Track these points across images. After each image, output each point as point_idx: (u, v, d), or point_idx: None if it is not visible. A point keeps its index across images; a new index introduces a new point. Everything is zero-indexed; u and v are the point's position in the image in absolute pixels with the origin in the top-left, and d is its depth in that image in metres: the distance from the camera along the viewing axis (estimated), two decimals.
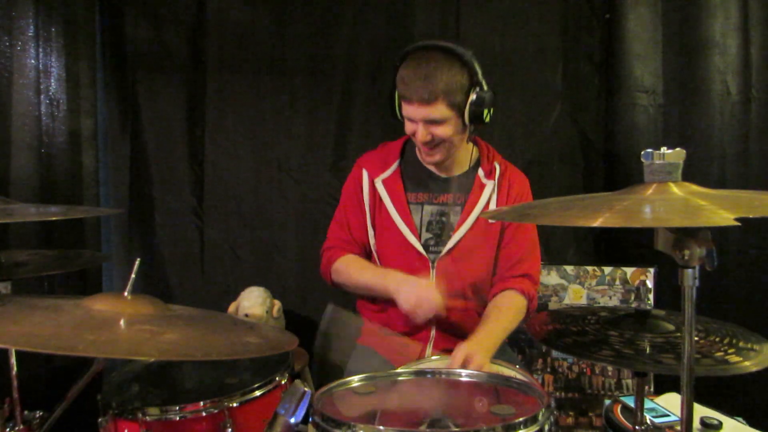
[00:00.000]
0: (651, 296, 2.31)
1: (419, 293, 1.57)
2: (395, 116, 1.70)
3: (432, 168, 1.78)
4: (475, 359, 1.42)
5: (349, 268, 1.78)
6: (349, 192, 1.84)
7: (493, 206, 1.74)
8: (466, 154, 1.79)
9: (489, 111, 1.64)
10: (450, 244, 1.72)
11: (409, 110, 1.62)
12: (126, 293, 1.18)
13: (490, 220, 1.74)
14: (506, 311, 1.68)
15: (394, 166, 1.79)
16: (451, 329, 1.73)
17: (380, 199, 1.77)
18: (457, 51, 1.60)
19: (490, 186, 1.76)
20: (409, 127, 1.66)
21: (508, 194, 1.76)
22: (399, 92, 1.63)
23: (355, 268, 1.77)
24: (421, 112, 1.59)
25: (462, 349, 1.45)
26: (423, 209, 1.76)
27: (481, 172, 1.77)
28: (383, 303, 1.76)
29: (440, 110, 1.59)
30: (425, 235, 1.75)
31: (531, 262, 1.76)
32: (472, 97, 1.61)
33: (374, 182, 1.78)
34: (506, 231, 1.76)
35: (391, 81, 1.67)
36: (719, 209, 0.87)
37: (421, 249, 1.72)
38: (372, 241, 1.79)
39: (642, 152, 1.02)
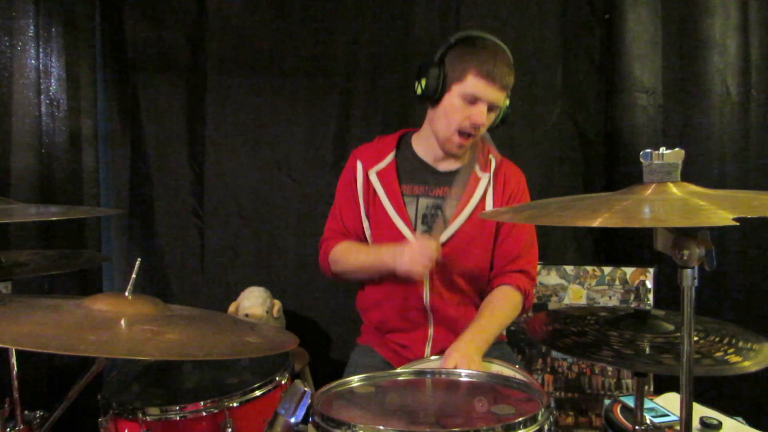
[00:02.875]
0: (651, 296, 2.31)
1: (413, 251, 1.57)
2: (430, 97, 1.67)
3: (428, 161, 1.79)
4: (464, 366, 1.42)
5: (345, 253, 1.77)
6: (343, 183, 1.83)
7: (489, 199, 1.74)
8: None
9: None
10: (444, 237, 1.71)
11: (482, 87, 1.61)
12: (126, 293, 1.19)
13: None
14: (500, 307, 1.68)
15: (389, 158, 1.79)
16: (448, 325, 1.73)
17: (374, 191, 1.76)
18: (510, 57, 1.68)
19: (485, 179, 1.75)
20: (461, 110, 1.64)
21: (504, 188, 1.76)
22: (470, 68, 1.61)
23: (350, 252, 1.77)
24: (495, 94, 1.63)
25: (452, 357, 1.46)
26: (418, 202, 1.76)
27: (476, 165, 1.77)
28: (380, 299, 1.77)
29: (502, 99, 1.67)
30: (420, 228, 1.74)
31: (528, 258, 1.76)
32: (508, 101, 1.72)
33: (368, 174, 1.77)
34: (503, 226, 1.75)
35: (439, 60, 1.66)
36: (718, 209, 0.87)
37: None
38: (368, 232, 1.78)
39: (641, 152, 1.03)
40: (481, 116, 1.63)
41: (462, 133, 1.66)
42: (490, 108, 1.64)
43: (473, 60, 1.61)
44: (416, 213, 1.75)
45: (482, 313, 1.65)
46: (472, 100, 1.63)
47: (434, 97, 1.66)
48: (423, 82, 1.66)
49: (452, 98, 1.65)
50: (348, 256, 1.77)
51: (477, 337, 1.55)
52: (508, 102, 1.72)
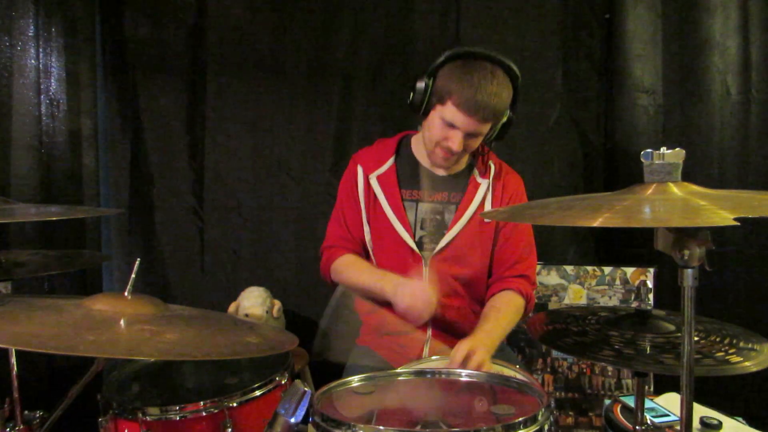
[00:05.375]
0: (651, 296, 2.31)
1: (414, 293, 1.56)
2: (416, 109, 1.66)
3: (426, 165, 1.79)
4: (477, 354, 1.42)
5: (347, 269, 1.78)
6: (345, 188, 1.83)
7: (487, 205, 1.75)
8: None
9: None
10: (443, 242, 1.72)
11: (459, 118, 1.58)
12: (126, 293, 1.19)
13: (486, 220, 1.74)
14: (505, 312, 1.67)
15: (389, 162, 1.79)
16: (446, 328, 1.73)
17: (375, 196, 1.76)
18: (515, 73, 1.63)
19: (484, 185, 1.76)
20: (440, 130, 1.63)
21: (503, 193, 1.77)
22: (450, 94, 1.57)
23: (353, 269, 1.77)
24: (473, 125, 1.59)
25: (463, 347, 1.45)
26: (418, 207, 1.76)
27: (476, 171, 1.78)
28: (380, 304, 1.74)
29: (486, 127, 1.63)
30: (419, 233, 1.75)
31: (528, 262, 1.76)
32: (507, 117, 1.68)
33: (369, 178, 1.77)
34: (501, 231, 1.76)
35: (429, 74, 1.63)
36: (719, 209, 0.87)
37: (414, 246, 1.72)
38: (367, 237, 1.79)
39: (642, 152, 1.03)
40: (457, 143, 1.61)
41: (453, 152, 1.65)
42: (470, 135, 1.62)
43: (456, 88, 1.57)
44: (416, 218, 1.75)
45: (487, 318, 1.65)
46: (450, 126, 1.61)
47: (419, 110, 1.67)
48: (411, 94, 1.66)
49: (434, 116, 1.65)
50: (350, 271, 1.77)
51: (484, 340, 1.54)
52: (507, 117, 1.68)
